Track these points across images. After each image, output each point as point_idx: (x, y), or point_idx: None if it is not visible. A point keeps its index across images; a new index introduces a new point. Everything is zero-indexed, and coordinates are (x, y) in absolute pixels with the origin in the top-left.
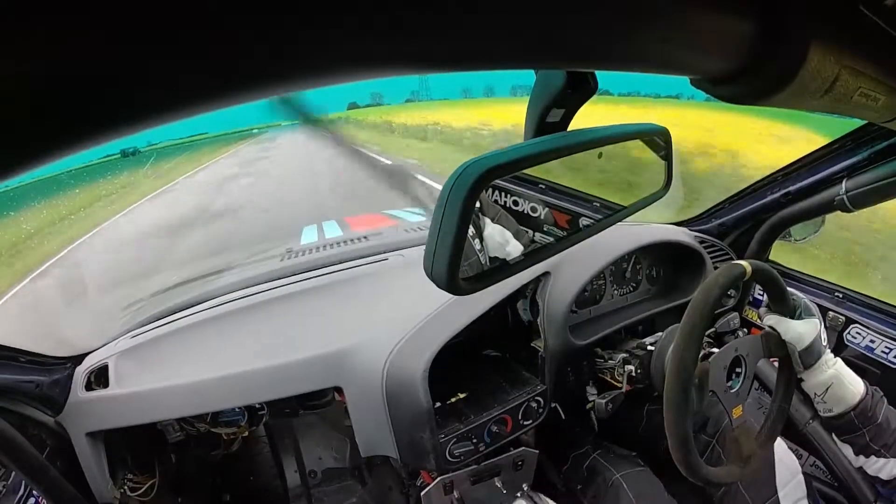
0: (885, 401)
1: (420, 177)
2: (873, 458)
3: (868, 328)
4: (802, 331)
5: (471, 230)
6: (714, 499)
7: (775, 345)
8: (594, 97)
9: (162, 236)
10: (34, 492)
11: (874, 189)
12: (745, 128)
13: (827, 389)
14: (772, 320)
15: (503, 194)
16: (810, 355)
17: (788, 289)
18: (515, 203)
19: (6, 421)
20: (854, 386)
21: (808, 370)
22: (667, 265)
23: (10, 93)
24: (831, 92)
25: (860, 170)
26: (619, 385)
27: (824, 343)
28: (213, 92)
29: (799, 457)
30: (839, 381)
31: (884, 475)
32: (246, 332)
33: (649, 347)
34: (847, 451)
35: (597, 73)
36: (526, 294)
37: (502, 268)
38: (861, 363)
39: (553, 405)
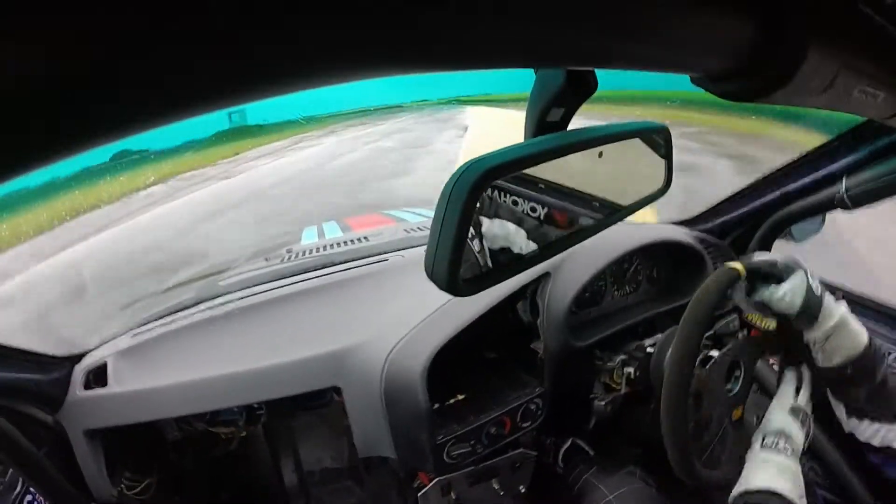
0: (888, 359)
1: None
2: (866, 421)
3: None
4: (789, 294)
5: (472, 231)
6: (716, 501)
7: (771, 343)
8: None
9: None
10: (31, 489)
11: (874, 186)
12: None
13: (828, 338)
14: (762, 295)
15: (503, 194)
16: (807, 313)
17: (766, 256)
18: (515, 203)
19: (4, 419)
20: (858, 335)
21: (809, 327)
22: (667, 265)
23: (10, 93)
24: (831, 89)
25: (860, 167)
26: (618, 387)
27: (818, 292)
28: (212, 92)
29: None
30: (842, 328)
31: (875, 441)
32: (245, 332)
33: (648, 349)
34: (840, 412)
35: (597, 71)
36: (526, 295)
37: (502, 269)
38: None
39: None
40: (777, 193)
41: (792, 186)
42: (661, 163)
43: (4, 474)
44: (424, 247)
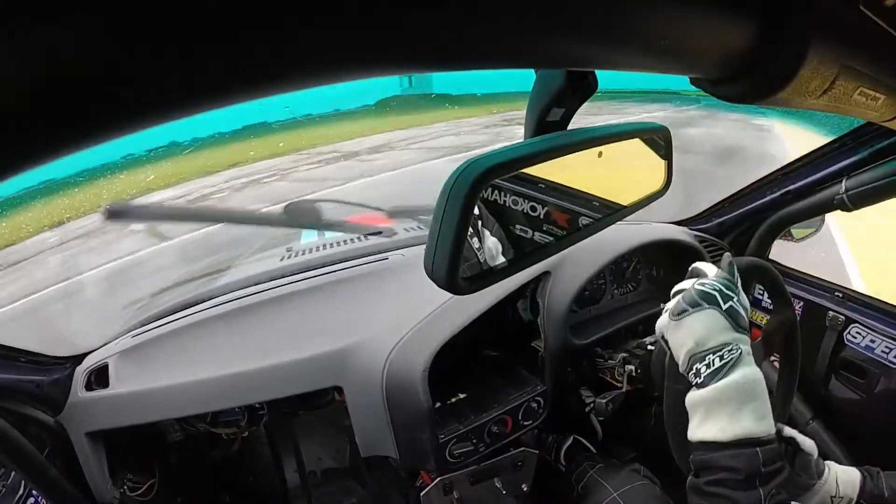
0: (881, 473)
1: None
2: None
3: (868, 328)
4: (811, 444)
5: (471, 230)
6: None
7: (775, 340)
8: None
9: None
10: (34, 491)
11: (874, 188)
12: None
13: (838, 484)
14: (789, 431)
15: (503, 193)
16: (819, 464)
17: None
18: (515, 202)
19: (6, 421)
20: (852, 471)
21: (819, 479)
22: (667, 264)
23: (10, 93)
24: (831, 91)
25: (860, 169)
26: (619, 385)
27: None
28: (212, 92)
29: None
30: (842, 471)
31: None
32: (246, 332)
33: (649, 347)
34: None
35: (597, 72)
36: (526, 293)
37: (502, 268)
38: (861, 363)
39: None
40: (777, 193)
41: (792, 187)
42: (661, 163)
43: (7, 477)
44: (424, 245)
